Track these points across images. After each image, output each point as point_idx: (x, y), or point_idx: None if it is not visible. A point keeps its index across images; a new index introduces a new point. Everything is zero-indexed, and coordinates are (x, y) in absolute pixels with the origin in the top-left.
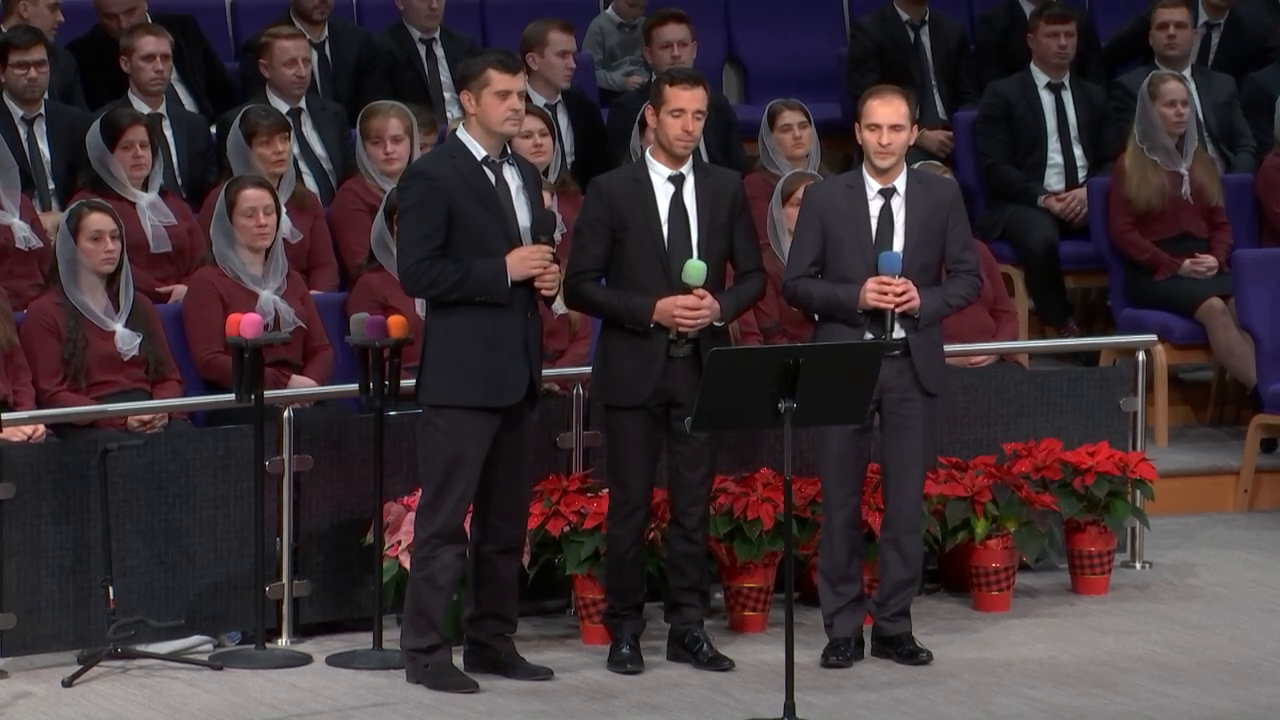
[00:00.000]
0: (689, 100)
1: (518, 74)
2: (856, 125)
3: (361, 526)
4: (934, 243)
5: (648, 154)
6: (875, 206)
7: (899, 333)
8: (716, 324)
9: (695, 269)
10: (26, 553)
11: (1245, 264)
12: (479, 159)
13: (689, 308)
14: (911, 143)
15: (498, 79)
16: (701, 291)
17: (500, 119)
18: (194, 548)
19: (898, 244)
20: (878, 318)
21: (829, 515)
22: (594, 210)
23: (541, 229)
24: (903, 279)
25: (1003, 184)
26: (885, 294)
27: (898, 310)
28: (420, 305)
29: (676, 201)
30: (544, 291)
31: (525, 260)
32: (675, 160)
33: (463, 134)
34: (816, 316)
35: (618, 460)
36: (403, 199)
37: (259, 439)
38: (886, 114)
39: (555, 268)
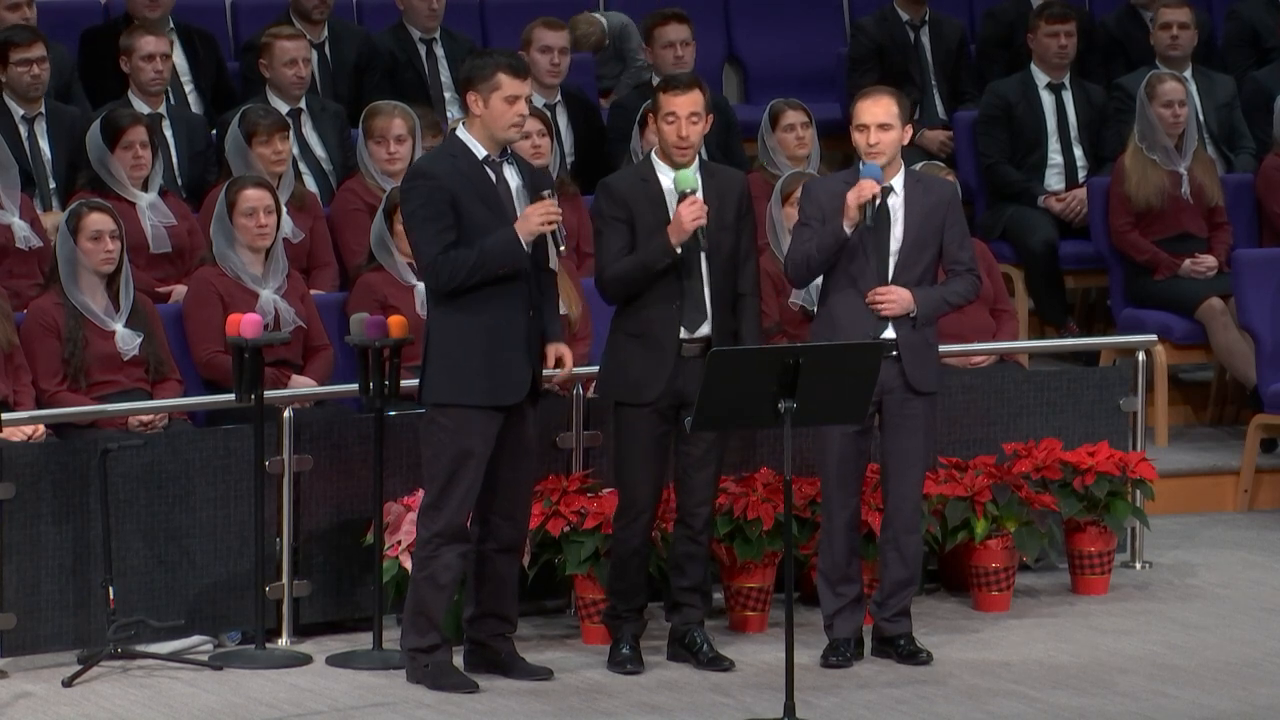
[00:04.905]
0: (681, 105)
1: (526, 80)
2: (851, 128)
3: (361, 526)
4: (932, 242)
5: (654, 155)
6: None
7: (889, 334)
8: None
9: (685, 178)
10: (26, 553)
11: (1245, 264)
12: (480, 158)
13: (689, 206)
14: (906, 142)
15: (508, 84)
16: (693, 197)
17: (507, 124)
18: (194, 548)
19: (895, 243)
20: (864, 230)
21: (830, 517)
22: (608, 209)
23: (541, 185)
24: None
25: (1003, 184)
26: (863, 191)
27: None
28: (420, 305)
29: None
30: (549, 231)
31: (530, 218)
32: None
33: (463, 133)
34: (815, 306)
35: (625, 462)
36: (408, 200)
37: (259, 439)
38: (874, 113)
39: (559, 214)
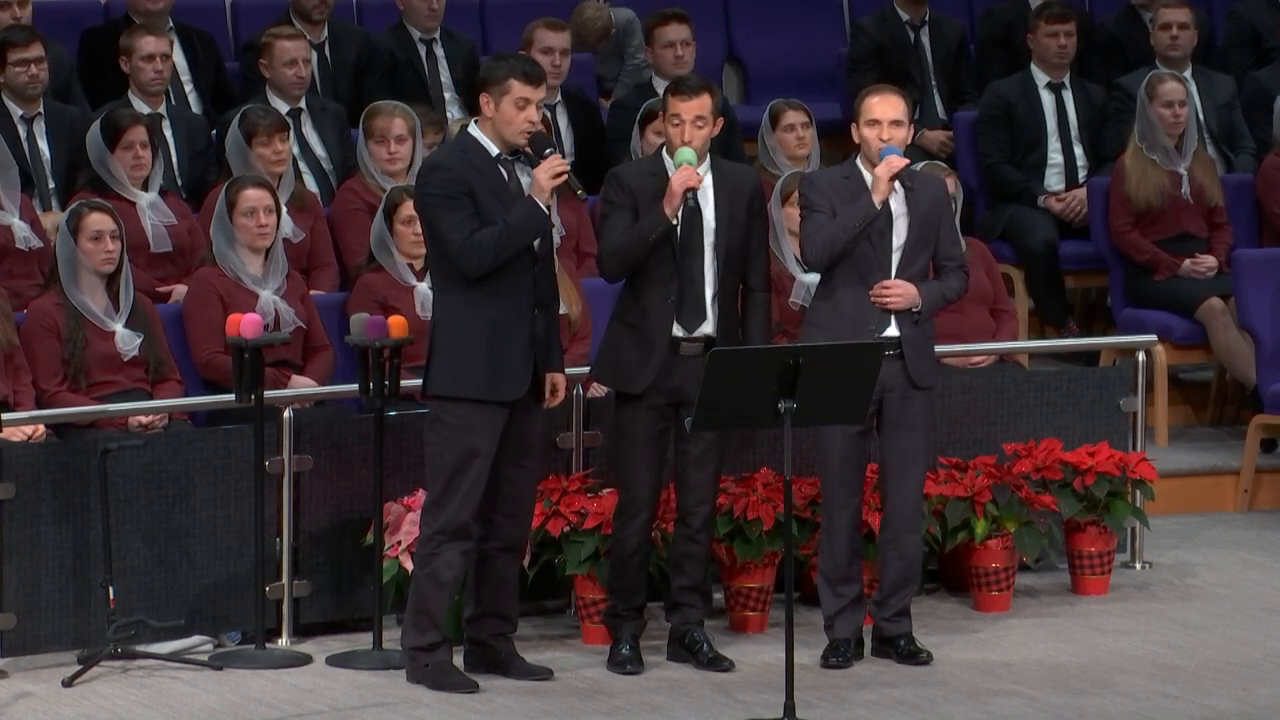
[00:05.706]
0: (687, 109)
1: (539, 85)
2: (854, 125)
3: (361, 526)
4: (930, 238)
5: (663, 152)
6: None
7: (893, 330)
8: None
9: (685, 153)
10: (26, 553)
11: (1245, 264)
12: (493, 155)
13: (680, 171)
14: (908, 143)
15: (520, 88)
16: (686, 165)
17: (516, 129)
18: (194, 548)
19: (898, 238)
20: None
21: (831, 517)
22: (615, 195)
23: (543, 144)
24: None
25: (1003, 184)
26: (893, 164)
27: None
28: (420, 306)
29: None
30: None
31: (540, 179)
32: None
33: (475, 131)
34: (826, 281)
35: (624, 460)
36: (425, 192)
37: (259, 439)
38: (886, 110)
39: (566, 165)
